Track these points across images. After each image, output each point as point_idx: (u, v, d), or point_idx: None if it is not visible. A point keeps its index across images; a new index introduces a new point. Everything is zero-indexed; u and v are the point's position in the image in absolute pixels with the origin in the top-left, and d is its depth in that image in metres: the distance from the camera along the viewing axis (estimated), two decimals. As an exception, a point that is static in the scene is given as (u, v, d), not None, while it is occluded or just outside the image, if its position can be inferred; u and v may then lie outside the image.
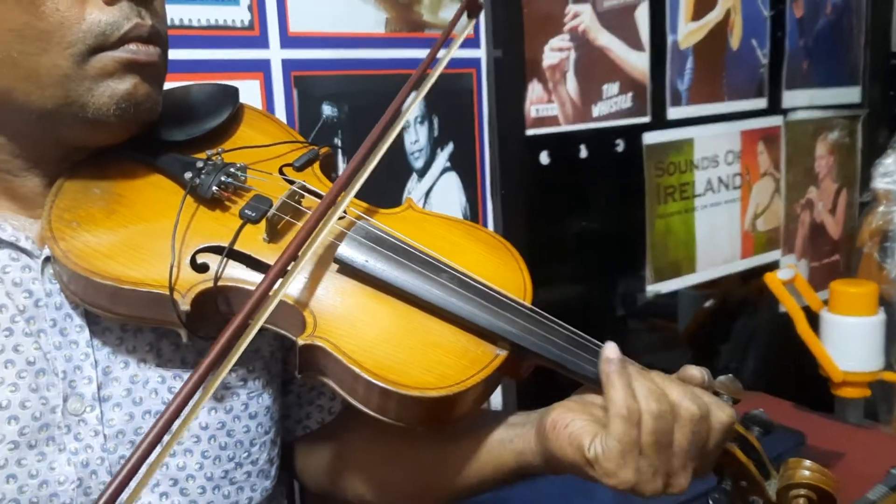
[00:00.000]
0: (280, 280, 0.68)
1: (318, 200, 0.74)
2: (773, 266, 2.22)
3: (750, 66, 2.10)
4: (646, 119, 1.87)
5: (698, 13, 1.94)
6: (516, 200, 1.66)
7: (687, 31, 1.92)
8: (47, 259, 0.74)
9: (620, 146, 1.84)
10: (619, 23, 1.78)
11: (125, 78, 0.70)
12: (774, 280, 2.11)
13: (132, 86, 0.70)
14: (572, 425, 0.69)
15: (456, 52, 1.47)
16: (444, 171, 1.56)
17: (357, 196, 0.77)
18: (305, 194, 0.78)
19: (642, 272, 1.93)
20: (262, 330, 0.74)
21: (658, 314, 2.05)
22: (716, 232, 2.07)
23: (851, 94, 2.40)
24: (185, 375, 0.77)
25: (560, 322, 0.74)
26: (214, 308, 0.73)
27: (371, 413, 0.71)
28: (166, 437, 0.60)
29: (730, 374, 0.74)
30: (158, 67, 0.74)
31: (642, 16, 1.82)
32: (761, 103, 2.14)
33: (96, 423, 0.74)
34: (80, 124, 0.71)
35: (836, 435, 1.76)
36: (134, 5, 0.70)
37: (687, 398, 0.67)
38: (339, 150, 1.40)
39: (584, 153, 1.77)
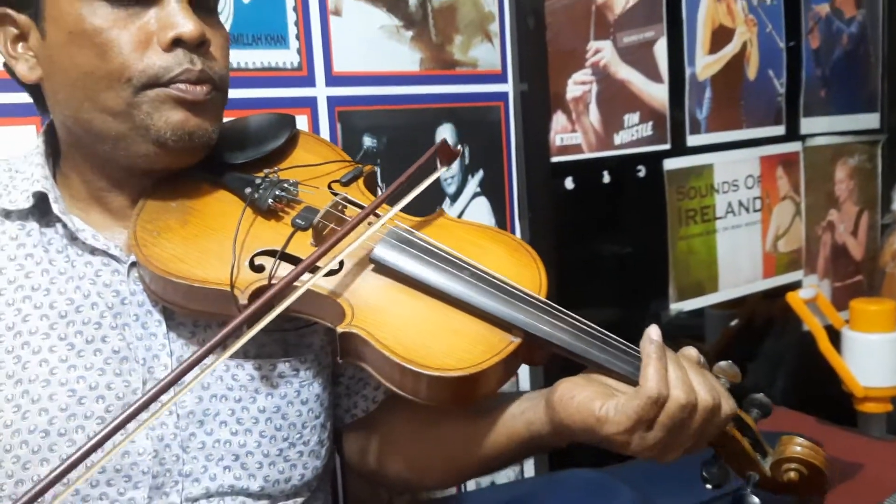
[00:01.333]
0: (311, 272, 0.79)
1: (359, 210, 0.86)
2: (795, 286, 2.29)
3: (767, 95, 2.20)
4: (666, 146, 1.98)
5: (715, 46, 2.05)
6: (543, 223, 1.77)
7: (704, 64, 2.03)
8: (133, 264, 0.87)
9: (642, 172, 1.95)
10: (638, 57, 1.89)
11: (177, 110, 0.82)
12: (796, 299, 2.18)
13: (184, 118, 0.82)
14: (578, 396, 0.78)
15: (484, 87, 1.61)
16: (475, 195, 1.68)
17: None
18: (348, 205, 0.90)
19: (665, 291, 2.02)
20: (308, 321, 0.87)
21: (684, 333, 2.13)
22: (737, 253, 2.16)
23: (870, 121, 2.47)
24: (247, 364, 0.88)
25: (571, 314, 0.83)
26: (269, 303, 0.84)
27: (403, 394, 0.81)
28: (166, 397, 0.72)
29: (729, 361, 0.82)
30: (208, 104, 0.84)
31: (661, 50, 1.94)
32: (779, 130, 2.23)
33: (171, 404, 0.84)
34: (147, 145, 0.83)
35: (856, 447, 1.82)
36: (188, 52, 0.81)
37: (707, 390, 0.76)
38: (378, 173, 1.54)
39: (606, 179, 1.88)
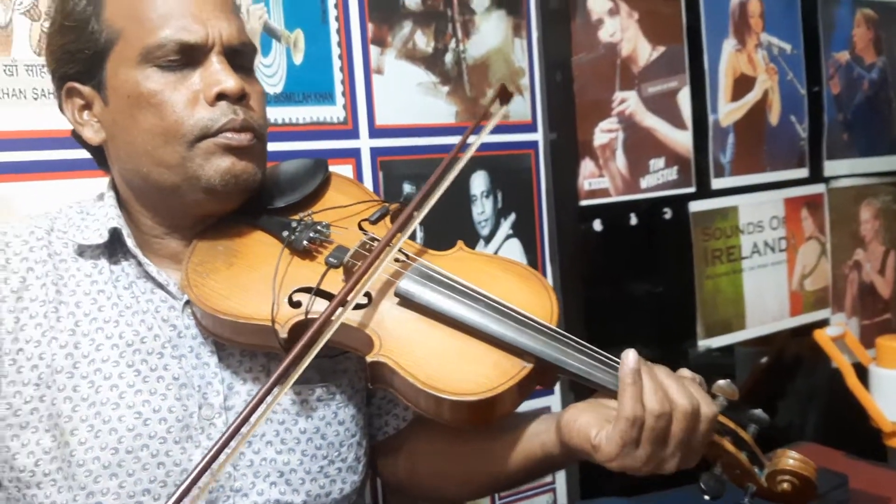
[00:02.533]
0: (342, 306, 0.87)
1: (386, 247, 0.93)
2: (823, 324, 2.34)
3: (790, 140, 2.28)
4: (691, 189, 2.07)
5: (737, 94, 2.15)
6: (572, 264, 1.86)
7: (727, 111, 2.13)
8: (186, 302, 0.96)
9: (668, 214, 2.04)
10: (662, 106, 2.00)
11: (225, 157, 0.92)
12: (823, 336, 2.24)
13: (231, 163, 0.93)
14: (580, 421, 0.86)
15: (515, 137, 1.73)
16: (508, 237, 1.79)
17: (420, 243, 0.99)
18: (375, 243, 0.97)
19: (693, 329, 2.09)
20: (342, 350, 0.96)
21: (713, 370, 2.19)
22: (763, 291, 2.23)
23: (893, 162, 2.53)
24: (289, 390, 0.95)
25: (579, 340, 0.90)
26: (310, 339, 0.91)
27: (428, 416, 0.89)
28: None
29: (727, 380, 0.87)
30: (251, 149, 0.94)
31: (684, 99, 2.04)
32: (803, 173, 2.31)
33: (223, 426, 0.93)
34: (198, 193, 0.94)
35: (882, 480, 1.86)
36: (230, 104, 0.92)
37: (684, 396, 0.82)
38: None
39: (633, 221, 1.98)
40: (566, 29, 1.84)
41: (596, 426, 0.84)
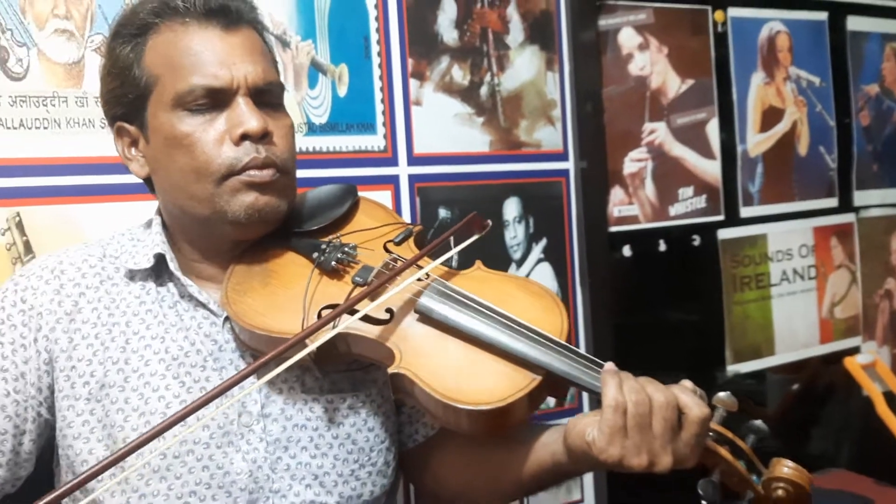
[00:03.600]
0: (364, 320, 0.95)
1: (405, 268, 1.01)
2: (854, 352, 2.36)
3: (819, 170, 2.32)
4: (720, 217, 2.13)
5: (766, 125, 2.21)
6: (602, 288, 1.93)
7: (756, 141, 2.19)
8: (226, 318, 1.04)
9: (697, 241, 2.09)
10: (691, 136, 2.07)
11: (249, 193, 1.00)
12: (853, 364, 2.26)
13: (254, 198, 1.01)
14: (579, 425, 0.92)
15: (547, 165, 1.80)
16: (539, 261, 1.86)
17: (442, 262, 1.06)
18: (398, 263, 1.04)
19: (722, 354, 2.13)
20: (368, 362, 1.03)
21: (743, 396, 2.22)
22: (793, 318, 2.26)
23: (925, 194, 2.56)
24: (322, 399, 1.04)
25: (587, 355, 0.96)
26: (335, 349, 0.98)
27: (446, 425, 0.95)
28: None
29: (727, 392, 0.93)
30: (274, 184, 1.02)
31: (713, 129, 2.11)
32: (832, 202, 2.35)
33: (261, 433, 1.01)
34: (225, 226, 1.02)
35: (910, 506, 1.88)
36: (253, 143, 1.00)
37: (659, 392, 0.89)
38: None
39: (662, 247, 2.04)
40: (597, 63, 1.93)
41: (591, 426, 0.91)
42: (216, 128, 1.00)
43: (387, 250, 1.09)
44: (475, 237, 1.12)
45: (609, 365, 0.93)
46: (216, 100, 1.00)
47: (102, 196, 1.38)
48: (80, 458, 0.99)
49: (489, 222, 1.13)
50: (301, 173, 1.51)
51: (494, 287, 1.05)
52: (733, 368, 2.14)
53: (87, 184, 1.38)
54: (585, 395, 1.82)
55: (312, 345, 0.92)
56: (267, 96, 1.04)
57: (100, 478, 0.95)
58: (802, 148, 2.28)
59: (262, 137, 1.01)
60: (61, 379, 1.01)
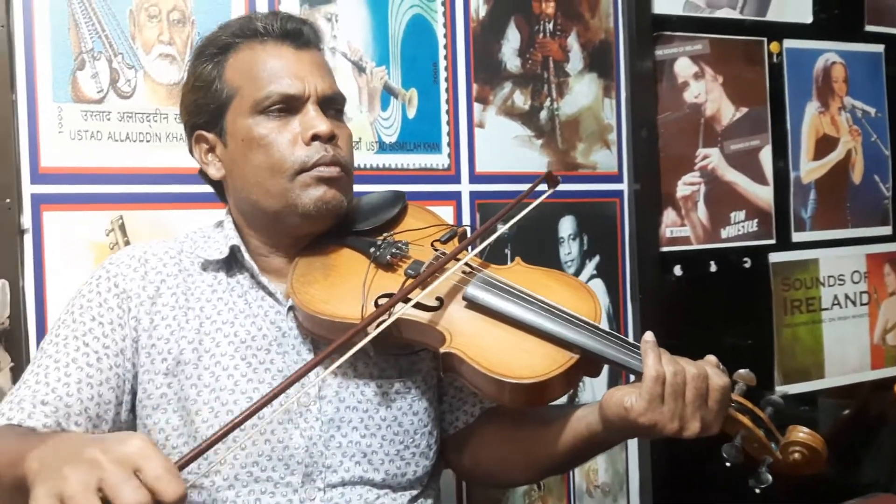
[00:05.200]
0: (416, 308, 1.05)
1: (454, 261, 1.11)
2: (907, 379, 2.38)
3: (873, 198, 2.36)
4: (771, 241, 2.18)
5: (819, 153, 2.26)
6: (652, 306, 2.01)
7: (809, 168, 2.24)
8: (290, 307, 1.14)
9: (748, 263, 2.15)
10: (744, 162, 2.13)
11: (318, 187, 1.12)
12: (904, 391, 2.28)
13: (323, 192, 1.12)
14: (616, 394, 1.00)
15: (602, 186, 1.90)
16: (592, 277, 1.96)
17: (484, 259, 1.18)
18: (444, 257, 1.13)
19: (771, 375, 2.18)
20: (420, 347, 1.13)
21: (793, 419, 2.26)
22: (844, 343, 2.29)
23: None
24: (372, 383, 1.13)
25: (618, 335, 1.05)
26: (390, 334, 1.05)
27: (490, 398, 1.04)
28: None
29: (747, 369, 1.03)
30: (339, 180, 1.13)
31: (766, 156, 2.17)
32: (886, 230, 2.37)
33: (317, 412, 1.10)
34: (295, 217, 1.13)
35: (956, 532, 1.89)
36: (322, 143, 1.11)
37: (691, 364, 0.99)
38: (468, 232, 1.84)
39: (713, 268, 2.10)
40: (653, 90, 2.02)
41: (629, 394, 0.99)
42: (290, 130, 1.12)
43: (434, 248, 1.19)
44: (549, 192, 1.22)
45: (648, 335, 1.01)
46: (290, 105, 1.12)
47: (194, 203, 1.54)
48: (157, 426, 1.10)
49: (559, 179, 1.25)
50: (371, 188, 1.66)
51: (533, 279, 1.15)
52: (782, 389, 2.19)
53: (181, 192, 1.53)
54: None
55: (374, 332, 1.03)
56: (332, 106, 1.16)
57: (175, 444, 1.09)
58: (857, 176, 2.33)
59: (330, 139, 1.12)
60: (143, 355, 1.12)
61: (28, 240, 1.43)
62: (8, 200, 1.41)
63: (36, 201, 1.44)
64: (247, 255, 1.17)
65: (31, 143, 1.44)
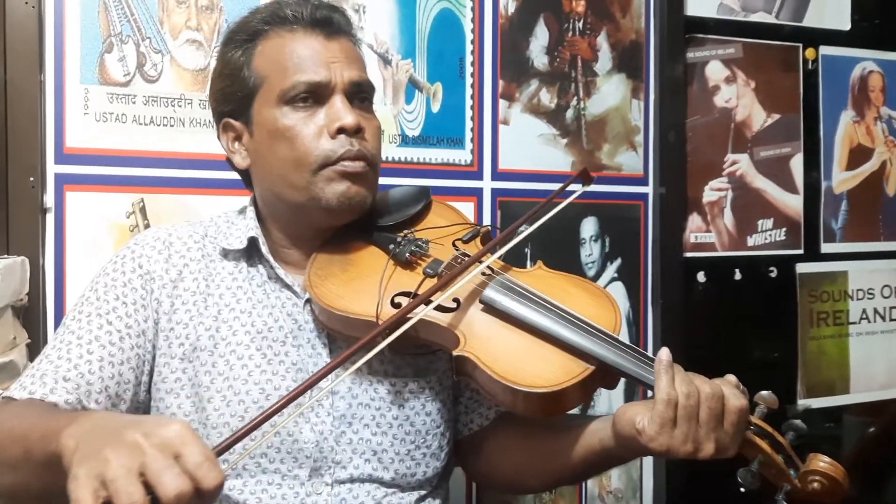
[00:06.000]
0: (436, 309, 1.03)
1: (476, 263, 1.08)
2: (936, 398, 2.32)
3: (908, 211, 2.31)
4: (799, 251, 2.14)
5: (853, 164, 2.21)
6: (674, 312, 1.98)
7: (841, 179, 2.19)
8: (307, 300, 1.13)
9: (774, 272, 2.11)
10: (774, 170, 2.10)
11: (342, 182, 1.10)
12: (934, 410, 2.22)
13: (347, 187, 1.10)
14: (629, 412, 0.98)
15: (626, 188, 1.88)
16: (612, 280, 1.93)
17: (504, 261, 1.15)
18: (465, 258, 1.12)
19: (794, 387, 2.14)
20: (434, 348, 1.11)
21: (816, 434, 2.21)
22: (872, 358, 2.24)
23: None
24: (386, 381, 1.12)
25: (636, 348, 1.02)
26: (407, 334, 1.02)
27: (504, 406, 1.02)
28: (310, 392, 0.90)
29: (769, 391, 0.99)
30: (365, 175, 1.11)
31: (797, 164, 2.13)
32: (921, 245, 2.32)
33: (329, 408, 1.09)
34: (318, 211, 1.11)
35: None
36: (348, 137, 1.09)
37: (706, 384, 0.95)
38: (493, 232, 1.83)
39: (738, 276, 2.07)
40: (682, 93, 1.99)
41: (640, 414, 0.97)
42: (315, 122, 1.10)
43: (455, 247, 1.18)
44: (581, 191, 1.20)
45: (663, 354, 0.98)
46: (316, 95, 1.10)
47: (216, 189, 1.55)
48: (169, 411, 1.10)
49: (594, 176, 1.23)
50: (392, 181, 1.67)
51: (553, 284, 1.12)
52: (804, 403, 2.14)
53: (203, 177, 1.54)
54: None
55: (392, 335, 1.00)
56: (360, 94, 1.14)
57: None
58: (891, 188, 2.27)
59: (356, 132, 1.10)
60: (161, 338, 1.12)
61: (50, 219, 1.45)
62: (32, 179, 1.43)
63: (59, 181, 1.46)
64: (264, 248, 1.16)
65: (57, 124, 1.46)
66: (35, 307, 1.43)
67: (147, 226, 1.51)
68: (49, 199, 1.45)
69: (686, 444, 0.95)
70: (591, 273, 1.90)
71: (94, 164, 1.48)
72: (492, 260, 1.13)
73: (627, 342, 1.04)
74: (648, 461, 1.97)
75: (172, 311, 1.13)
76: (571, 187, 1.22)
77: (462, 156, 1.77)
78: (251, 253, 1.18)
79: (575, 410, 1.06)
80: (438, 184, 1.73)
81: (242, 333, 1.12)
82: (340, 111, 1.10)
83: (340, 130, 1.10)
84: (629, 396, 1.93)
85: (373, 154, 1.13)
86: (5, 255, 1.41)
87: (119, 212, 1.50)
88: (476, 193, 1.78)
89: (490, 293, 1.08)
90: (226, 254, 1.17)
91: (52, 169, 1.46)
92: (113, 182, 1.49)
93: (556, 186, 1.84)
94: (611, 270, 1.93)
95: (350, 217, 1.14)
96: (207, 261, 1.17)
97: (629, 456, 1.06)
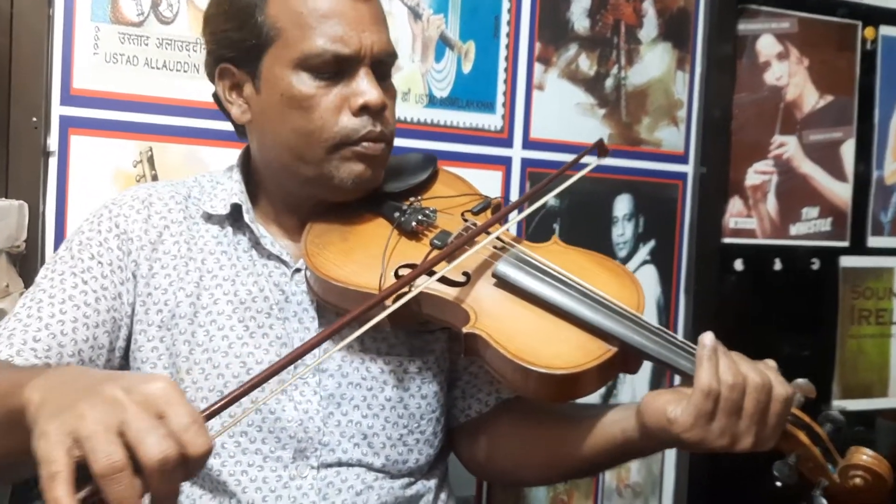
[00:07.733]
0: (441, 282, 0.95)
1: (485, 234, 1.01)
2: (980, 408, 2.19)
3: (964, 208, 2.17)
4: (844, 244, 2.02)
5: (908, 153, 2.09)
6: (707, 300, 1.87)
7: (893, 169, 2.06)
8: (297, 270, 1.05)
9: (816, 265, 1.99)
10: (823, 155, 1.97)
11: (358, 163, 1.02)
12: (975, 420, 2.10)
13: (362, 169, 1.02)
14: (658, 401, 0.89)
15: (664, 166, 1.77)
16: (644, 262, 1.83)
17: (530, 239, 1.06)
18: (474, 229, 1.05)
19: (829, 387, 2.03)
20: (440, 325, 1.03)
21: (849, 438, 2.10)
22: (913, 362, 2.12)
23: None
24: (379, 359, 1.04)
25: (662, 328, 0.94)
26: (408, 308, 0.95)
27: (514, 388, 0.94)
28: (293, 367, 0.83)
29: (806, 379, 0.91)
30: (383, 157, 1.04)
31: (847, 150, 2.00)
32: (975, 244, 2.19)
33: (315, 386, 1.01)
34: (327, 188, 1.03)
35: None
36: (370, 118, 1.01)
37: (754, 372, 0.87)
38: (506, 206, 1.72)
39: (778, 266, 1.95)
40: (731, 68, 1.87)
41: (673, 403, 0.88)
42: (336, 95, 1.00)
43: (465, 219, 1.09)
44: (595, 164, 1.12)
45: (707, 339, 0.88)
46: (341, 66, 1.00)
47: (231, 142, 1.45)
48: None
49: (609, 150, 1.15)
50: (416, 144, 1.57)
51: (571, 260, 1.03)
52: (839, 404, 2.03)
53: (216, 128, 1.45)
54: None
55: (392, 306, 0.92)
56: (384, 67, 1.05)
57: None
58: (946, 182, 2.14)
59: (380, 111, 1.02)
60: (138, 304, 1.05)
61: (53, 163, 1.37)
62: (35, 119, 1.35)
63: (64, 123, 1.37)
64: (248, 217, 1.07)
65: (65, 63, 1.37)
66: (33, 255, 1.35)
67: (155, 177, 1.42)
68: (52, 142, 1.37)
69: (723, 437, 0.86)
70: (623, 254, 1.80)
71: (101, 108, 1.39)
72: (502, 230, 1.04)
73: (650, 322, 0.95)
74: (671, 455, 1.87)
75: (151, 274, 1.05)
76: (586, 159, 1.13)
77: (492, 121, 1.66)
78: (237, 216, 1.09)
79: (595, 398, 0.97)
80: (465, 150, 1.63)
81: (224, 302, 1.04)
82: (367, 87, 1.00)
83: (364, 108, 1.00)
84: (655, 384, 1.83)
85: (391, 133, 1.06)
86: (3, 198, 1.33)
87: (126, 159, 1.41)
88: (505, 162, 1.68)
89: (503, 267, 0.99)
90: (209, 217, 1.09)
91: (57, 110, 1.37)
92: (121, 128, 1.40)
93: (589, 160, 1.77)
94: (643, 252, 1.82)
95: (358, 195, 1.06)
96: (190, 223, 1.09)
97: (652, 449, 0.97)
